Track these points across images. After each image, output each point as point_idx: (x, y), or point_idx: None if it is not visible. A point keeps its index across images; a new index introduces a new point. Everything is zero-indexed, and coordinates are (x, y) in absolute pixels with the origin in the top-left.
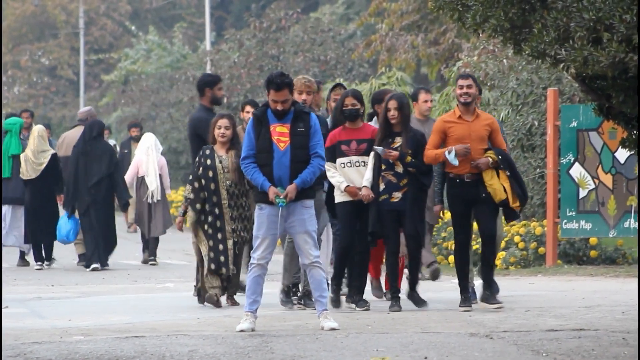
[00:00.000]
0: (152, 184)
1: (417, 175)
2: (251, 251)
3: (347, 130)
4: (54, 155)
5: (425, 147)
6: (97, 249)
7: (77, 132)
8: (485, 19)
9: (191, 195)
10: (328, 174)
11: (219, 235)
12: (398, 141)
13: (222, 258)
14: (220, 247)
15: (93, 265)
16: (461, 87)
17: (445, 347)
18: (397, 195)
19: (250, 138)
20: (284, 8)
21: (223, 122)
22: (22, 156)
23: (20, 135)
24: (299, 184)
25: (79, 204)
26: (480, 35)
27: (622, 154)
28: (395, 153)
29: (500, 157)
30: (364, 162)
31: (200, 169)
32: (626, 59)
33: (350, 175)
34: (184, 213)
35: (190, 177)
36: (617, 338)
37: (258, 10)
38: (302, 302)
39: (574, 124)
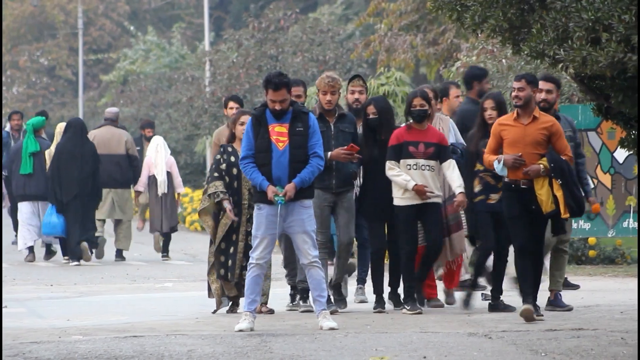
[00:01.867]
0: (160, 175)
1: None
2: (250, 251)
3: (413, 131)
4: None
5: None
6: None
7: (105, 131)
8: (484, 19)
9: (224, 189)
10: (391, 172)
11: (233, 237)
12: None
13: (229, 262)
14: (231, 249)
15: (74, 263)
16: (513, 89)
17: (443, 346)
18: (495, 197)
19: (249, 138)
20: (283, 8)
21: (245, 118)
22: (47, 152)
23: (39, 134)
24: (297, 183)
25: (65, 199)
26: (479, 35)
27: (621, 154)
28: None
29: (552, 164)
30: (429, 166)
31: (224, 165)
32: (625, 59)
33: (415, 178)
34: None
35: (216, 174)
36: (615, 338)
37: (257, 10)
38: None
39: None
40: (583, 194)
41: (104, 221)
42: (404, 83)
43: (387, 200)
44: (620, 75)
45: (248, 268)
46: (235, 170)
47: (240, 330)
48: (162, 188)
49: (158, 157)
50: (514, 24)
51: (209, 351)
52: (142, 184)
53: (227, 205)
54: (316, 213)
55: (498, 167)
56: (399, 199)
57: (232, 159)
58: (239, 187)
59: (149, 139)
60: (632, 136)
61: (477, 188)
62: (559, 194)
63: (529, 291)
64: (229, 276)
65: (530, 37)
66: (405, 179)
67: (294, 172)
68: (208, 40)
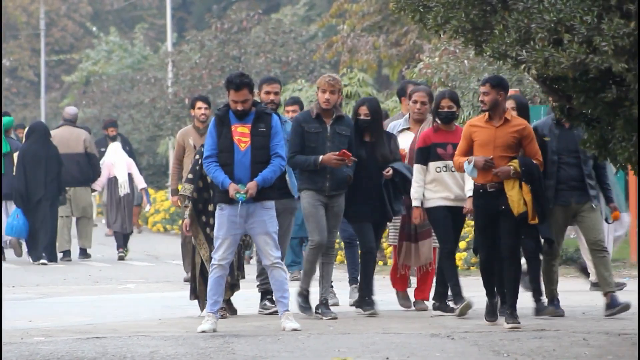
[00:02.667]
0: (121, 176)
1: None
2: (212, 252)
3: (441, 132)
4: None
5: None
6: (50, 245)
7: (64, 131)
8: (447, 20)
9: (194, 195)
10: (413, 180)
11: None
12: None
13: None
14: None
15: (42, 260)
16: (479, 94)
17: (406, 347)
18: None
19: (212, 138)
20: (246, 9)
21: None
22: (15, 155)
23: (8, 134)
24: (259, 182)
25: (30, 200)
26: (442, 36)
27: None
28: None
29: (524, 168)
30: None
31: None
32: (587, 60)
33: (446, 180)
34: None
35: (191, 176)
36: (577, 338)
37: (219, 11)
38: (319, 311)
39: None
40: (608, 199)
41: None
42: (367, 84)
43: (375, 201)
44: (582, 76)
45: (210, 269)
46: None
47: (203, 332)
48: (123, 188)
49: (117, 159)
50: (477, 25)
51: (172, 352)
52: (100, 183)
53: (186, 212)
54: (310, 213)
55: (468, 169)
56: (432, 200)
57: None
58: None
59: (112, 138)
60: (595, 137)
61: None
62: (528, 198)
63: (492, 295)
64: (227, 278)
65: (492, 38)
66: (414, 197)
67: (256, 172)
68: (170, 41)
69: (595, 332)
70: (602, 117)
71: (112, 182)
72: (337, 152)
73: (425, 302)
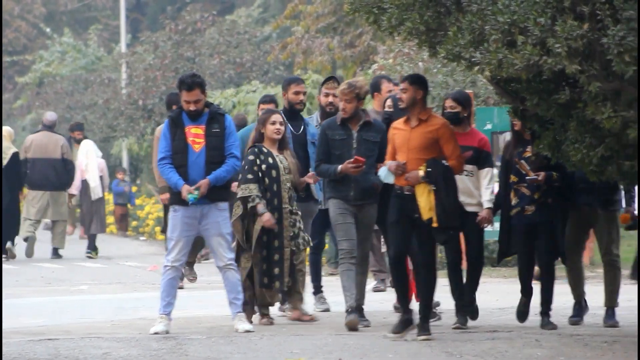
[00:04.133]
0: (92, 181)
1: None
2: (165, 254)
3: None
4: (15, 154)
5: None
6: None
7: (42, 136)
8: (401, 21)
9: (259, 194)
10: None
11: (275, 243)
12: (530, 151)
13: (276, 270)
14: (276, 257)
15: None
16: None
17: (359, 348)
18: (531, 209)
19: (166, 139)
20: (200, 10)
21: (277, 117)
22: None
23: None
24: (212, 180)
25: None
26: (396, 37)
27: None
28: (542, 176)
29: (428, 169)
30: (466, 171)
31: (264, 166)
32: (540, 61)
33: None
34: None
35: (250, 176)
36: (530, 339)
37: (174, 12)
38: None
39: (489, 126)
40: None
41: (38, 221)
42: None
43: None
44: (536, 77)
45: (163, 271)
46: (274, 173)
47: (156, 333)
48: (95, 193)
49: (89, 163)
50: (431, 26)
51: (124, 354)
52: (75, 187)
53: (260, 209)
54: (337, 220)
55: (382, 174)
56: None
57: (270, 160)
58: (279, 190)
59: (78, 141)
60: (548, 138)
61: (513, 201)
62: (432, 200)
63: (405, 304)
64: (276, 284)
65: (446, 40)
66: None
67: (210, 173)
68: (124, 42)
69: (547, 333)
70: (556, 119)
71: (85, 184)
72: (351, 160)
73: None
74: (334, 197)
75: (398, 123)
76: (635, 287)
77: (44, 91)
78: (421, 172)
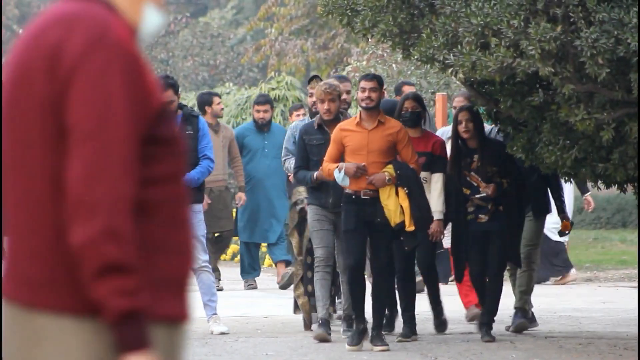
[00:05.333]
0: None
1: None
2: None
3: None
4: None
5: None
6: None
7: None
8: (374, 24)
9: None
10: None
11: None
12: (477, 160)
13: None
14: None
15: None
16: (363, 89)
17: (334, 351)
18: (484, 217)
19: None
20: (173, 12)
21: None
22: None
23: None
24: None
25: None
26: (369, 40)
27: None
28: (492, 189)
29: (399, 172)
30: (422, 178)
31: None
32: (514, 64)
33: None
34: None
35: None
36: (505, 341)
37: None
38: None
39: None
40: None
41: None
42: (295, 87)
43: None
44: (509, 80)
45: None
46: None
47: None
48: None
49: None
50: (404, 28)
51: None
52: None
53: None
54: (314, 227)
55: (339, 177)
56: None
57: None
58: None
59: None
60: (522, 140)
61: (470, 208)
62: (405, 204)
63: (362, 320)
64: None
65: (420, 42)
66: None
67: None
68: None
69: (522, 334)
70: (529, 121)
71: None
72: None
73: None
74: (312, 204)
75: (347, 124)
76: (627, 290)
77: None
78: (386, 175)
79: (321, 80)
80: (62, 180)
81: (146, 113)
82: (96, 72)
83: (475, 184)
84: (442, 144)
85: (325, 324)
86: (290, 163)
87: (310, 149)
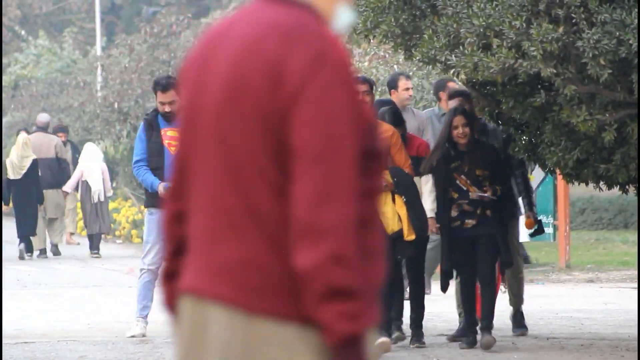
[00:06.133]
0: (95, 185)
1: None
2: (142, 257)
3: None
4: (34, 161)
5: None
6: None
7: (37, 137)
8: (376, 24)
9: None
10: None
11: None
12: (467, 162)
13: None
14: None
15: None
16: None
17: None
18: (470, 222)
19: (142, 142)
20: (175, 13)
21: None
22: (7, 160)
23: None
24: None
25: None
26: (371, 40)
27: None
28: (489, 193)
29: (396, 179)
30: None
31: None
32: (515, 65)
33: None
34: None
35: None
36: (506, 342)
37: (149, 15)
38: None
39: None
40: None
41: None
42: None
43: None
44: (511, 81)
45: (139, 274)
46: None
47: (133, 336)
48: (97, 197)
49: (93, 167)
50: (406, 29)
51: (101, 357)
52: (70, 185)
53: None
54: None
55: None
56: None
57: None
58: None
59: (63, 144)
60: (523, 142)
61: (453, 213)
62: (402, 212)
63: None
64: None
65: (421, 43)
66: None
67: None
68: (100, 45)
69: (523, 335)
70: (531, 122)
71: (85, 186)
72: None
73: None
74: None
75: None
76: (628, 291)
77: (19, 94)
78: (383, 181)
79: None
80: (281, 195)
81: (363, 128)
82: (321, 93)
83: (465, 188)
84: (427, 147)
85: None
86: None
87: None
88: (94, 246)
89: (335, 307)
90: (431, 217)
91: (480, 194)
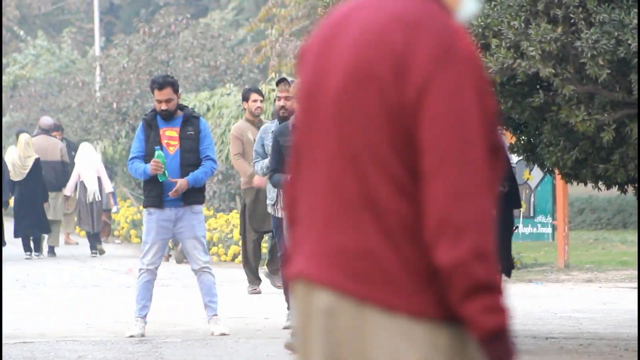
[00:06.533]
0: (90, 185)
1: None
2: (140, 257)
3: None
4: (37, 160)
5: None
6: None
7: (41, 140)
8: None
9: None
10: None
11: None
12: None
13: None
14: None
15: None
16: None
17: None
18: None
19: (139, 141)
20: (174, 13)
21: None
22: (9, 160)
23: None
24: (190, 181)
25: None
26: None
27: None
28: None
29: None
30: None
31: None
32: (514, 65)
33: None
34: None
35: None
36: None
37: (147, 15)
38: None
39: None
40: None
41: None
42: None
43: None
44: (510, 81)
45: (138, 274)
46: None
47: (132, 336)
48: (92, 197)
49: (88, 165)
50: None
51: (100, 357)
52: (69, 189)
53: None
54: (285, 233)
55: None
56: None
57: None
58: None
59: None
60: (522, 142)
61: None
62: None
63: None
64: None
65: None
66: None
67: (185, 175)
68: (98, 45)
69: (522, 335)
70: (530, 122)
71: (82, 185)
72: None
73: None
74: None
75: None
76: (627, 291)
77: (18, 94)
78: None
79: (289, 83)
80: (402, 189)
81: (490, 122)
82: (450, 88)
83: None
84: None
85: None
86: (260, 165)
87: (285, 150)
88: (92, 245)
89: (480, 302)
90: None
91: None
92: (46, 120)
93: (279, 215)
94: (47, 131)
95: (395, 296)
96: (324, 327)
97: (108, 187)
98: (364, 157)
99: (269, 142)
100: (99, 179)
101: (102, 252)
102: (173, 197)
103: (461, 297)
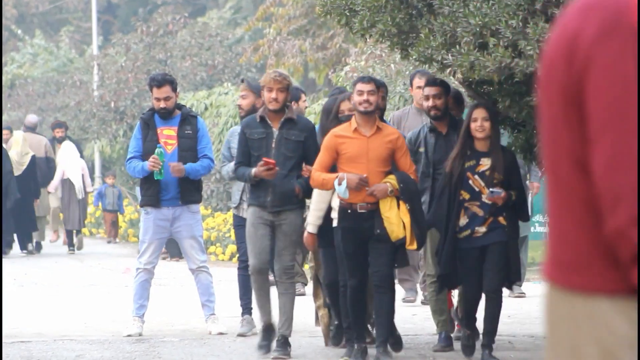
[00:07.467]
0: (77, 182)
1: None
2: (138, 256)
3: None
4: (33, 157)
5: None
6: None
7: (28, 137)
8: (373, 23)
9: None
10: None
11: None
12: (485, 164)
13: None
14: None
15: None
16: (361, 92)
17: (336, 351)
18: (481, 230)
19: (137, 140)
20: (172, 12)
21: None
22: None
23: None
24: (187, 168)
25: None
26: (368, 40)
27: None
28: (503, 195)
29: (402, 185)
30: None
31: None
32: (512, 64)
33: None
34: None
35: None
36: (503, 342)
37: (145, 14)
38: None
39: None
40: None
41: None
42: None
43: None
44: (508, 80)
45: (135, 273)
46: None
47: (129, 336)
48: (80, 194)
49: (72, 163)
50: (402, 28)
51: (98, 356)
52: (53, 186)
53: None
54: (248, 233)
55: (340, 189)
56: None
57: None
58: None
59: (60, 140)
60: (520, 140)
61: (462, 221)
62: (407, 219)
63: (361, 335)
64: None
65: (418, 42)
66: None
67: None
68: (96, 44)
69: (520, 335)
70: (528, 121)
71: (68, 183)
72: (262, 162)
73: None
74: (251, 204)
75: (342, 130)
76: None
77: (16, 93)
78: (389, 186)
79: (250, 84)
80: (582, 166)
81: None
82: (610, 60)
83: (478, 189)
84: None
85: (280, 343)
86: (226, 169)
87: (251, 143)
88: (70, 242)
89: None
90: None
91: (493, 189)
92: (31, 119)
93: (242, 215)
94: (32, 129)
95: (591, 278)
96: (547, 321)
97: (89, 186)
98: (551, 142)
99: (235, 145)
100: (83, 176)
101: (80, 247)
102: (174, 170)
103: (626, 265)
